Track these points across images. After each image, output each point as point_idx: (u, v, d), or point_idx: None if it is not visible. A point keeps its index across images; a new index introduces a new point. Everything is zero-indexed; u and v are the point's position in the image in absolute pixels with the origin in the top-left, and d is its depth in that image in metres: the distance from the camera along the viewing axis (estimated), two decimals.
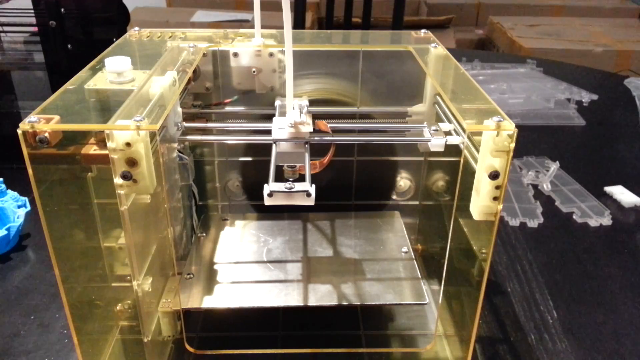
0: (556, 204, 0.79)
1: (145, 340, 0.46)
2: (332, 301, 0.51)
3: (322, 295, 0.52)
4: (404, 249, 0.59)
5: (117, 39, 0.57)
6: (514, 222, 0.75)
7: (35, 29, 0.82)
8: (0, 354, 0.52)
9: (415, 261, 0.57)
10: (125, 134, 0.37)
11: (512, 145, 0.39)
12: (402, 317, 0.56)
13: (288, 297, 0.52)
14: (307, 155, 0.45)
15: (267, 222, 0.64)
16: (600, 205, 0.78)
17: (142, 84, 0.44)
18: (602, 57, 2.19)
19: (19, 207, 0.69)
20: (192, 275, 0.55)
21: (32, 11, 0.78)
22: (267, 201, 0.42)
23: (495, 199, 0.41)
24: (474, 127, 0.40)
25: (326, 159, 0.48)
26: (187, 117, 0.55)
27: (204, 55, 0.56)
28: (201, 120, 0.59)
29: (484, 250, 0.44)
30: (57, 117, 0.38)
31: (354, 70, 0.60)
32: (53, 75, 0.80)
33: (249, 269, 0.56)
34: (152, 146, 0.39)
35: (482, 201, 0.41)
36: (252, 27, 0.58)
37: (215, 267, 0.57)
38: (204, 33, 0.59)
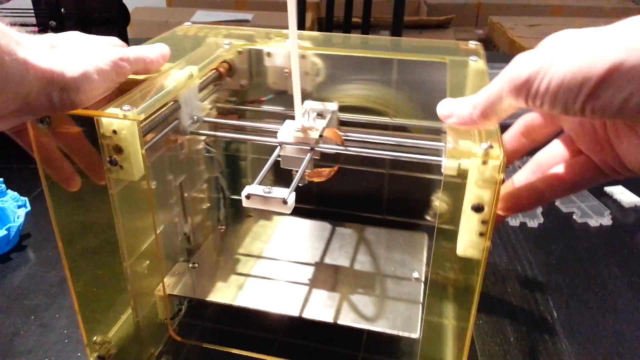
0: (556, 204, 0.79)
1: (137, 320, 0.48)
2: (324, 316, 0.50)
3: (316, 308, 0.51)
4: (415, 274, 0.56)
5: None
6: (514, 222, 0.75)
7: (35, 29, 0.82)
8: (0, 354, 0.52)
9: (422, 288, 0.54)
10: (112, 121, 0.38)
11: (501, 176, 0.34)
12: (407, 345, 0.53)
13: (282, 304, 0.51)
14: (305, 162, 0.44)
15: (289, 224, 0.64)
16: (600, 205, 0.78)
17: (156, 75, 0.45)
18: None
19: (19, 207, 0.69)
20: (196, 265, 0.56)
21: (32, 11, 0.78)
22: (245, 203, 0.41)
23: (481, 234, 0.36)
24: (456, 151, 0.36)
25: (329, 171, 0.46)
26: (222, 112, 0.56)
27: (239, 53, 0.57)
28: (234, 116, 0.59)
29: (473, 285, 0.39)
30: None
31: (389, 78, 0.56)
32: None
33: (250, 267, 0.56)
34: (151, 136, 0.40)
35: (466, 235, 0.36)
36: (251, 27, 0.58)
37: (222, 260, 0.57)
38: (246, 31, 0.60)
